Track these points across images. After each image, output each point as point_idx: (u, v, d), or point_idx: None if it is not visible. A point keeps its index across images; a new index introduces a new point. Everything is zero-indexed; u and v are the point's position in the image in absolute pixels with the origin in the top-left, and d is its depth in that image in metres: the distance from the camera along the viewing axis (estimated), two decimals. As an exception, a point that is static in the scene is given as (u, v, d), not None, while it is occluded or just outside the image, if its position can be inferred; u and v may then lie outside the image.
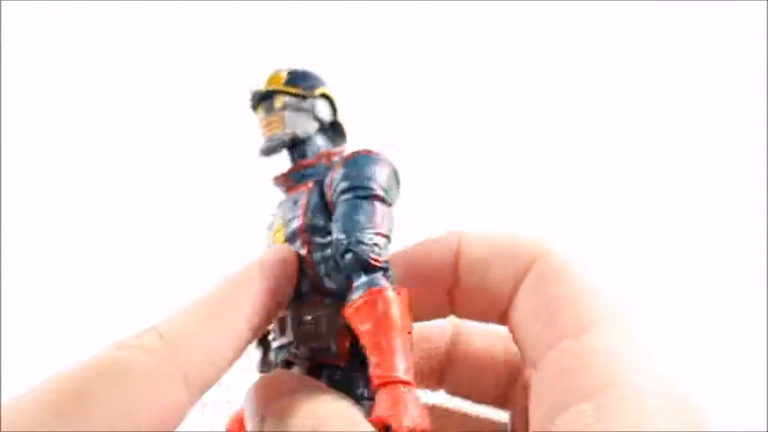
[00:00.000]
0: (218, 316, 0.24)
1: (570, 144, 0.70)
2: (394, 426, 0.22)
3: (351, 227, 0.27)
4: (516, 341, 0.26)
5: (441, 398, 0.31)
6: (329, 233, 0.28)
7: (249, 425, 0.25)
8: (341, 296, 0.27)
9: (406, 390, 0.23)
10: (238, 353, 0.24)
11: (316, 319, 0.28)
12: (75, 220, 0.66)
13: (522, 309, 0.25)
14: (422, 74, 0.70)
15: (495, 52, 0.71)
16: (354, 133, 0.33)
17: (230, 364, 0.24)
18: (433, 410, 0.30)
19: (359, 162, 0.29)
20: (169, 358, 0.21)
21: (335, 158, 0.31)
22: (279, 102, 0.32)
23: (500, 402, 0.30)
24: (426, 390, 0.31)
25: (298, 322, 0.28)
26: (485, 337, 0.30)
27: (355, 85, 0.37)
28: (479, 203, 0.66)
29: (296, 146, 0.31)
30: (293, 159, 0.32)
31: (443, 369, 0.30)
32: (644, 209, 0.68)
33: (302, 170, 0.31)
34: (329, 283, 0.28)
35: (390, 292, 0.25)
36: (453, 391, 0.30)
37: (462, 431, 0.30)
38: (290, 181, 0.31)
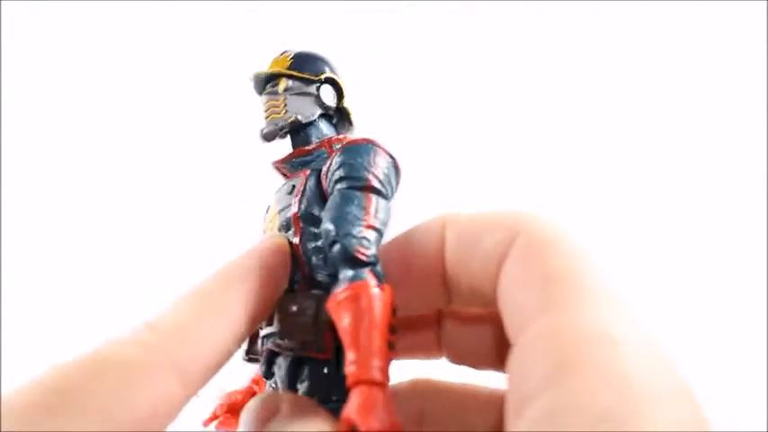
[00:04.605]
0: (213, 306, 0.23)
1: (569, 142, 0.70)
2: (362, 428, 0.21)
3: (341, 218, 0.26)
4: (503, 320, 0.23)
5: (443, 367, 0.30)
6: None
7: None
8: (330, 289, 0.25)
9: (377, 390, 0.22)
10: (238, 342, 0.24)
11: (302, 310, 0.26)
12: (74, 219, 0.66)
13: (507, 284, 0.23)
14: (420, 73, 0.70)
15: (491, 53, 0.71)
16: (361, 121, 0.32)
17: (230, 354, 0.24)
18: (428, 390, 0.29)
19: (357, 151, 0.27)
20: (160, 350, 0.21)
21: (336, 145, 0.29)
22: (282, 85, 0.31)
23: (500, 366, 0.26)
24: (429, 359, 0.30)
25: (285, 312, 0.27)
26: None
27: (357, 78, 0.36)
28: (476, 196, 0.66)
29: (298, 131, 0.31)
30: (295, 145, 0.31)
31: (439, 335, 0.29)
32: (643, 210, 0.68)
33: (302, 156, 0.30)
34: (320, 275, 0.27)
35: (374, 288, 0.24)
36: (454, 358, 0.29)
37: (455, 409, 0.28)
38: (289, 167, 0.31)
